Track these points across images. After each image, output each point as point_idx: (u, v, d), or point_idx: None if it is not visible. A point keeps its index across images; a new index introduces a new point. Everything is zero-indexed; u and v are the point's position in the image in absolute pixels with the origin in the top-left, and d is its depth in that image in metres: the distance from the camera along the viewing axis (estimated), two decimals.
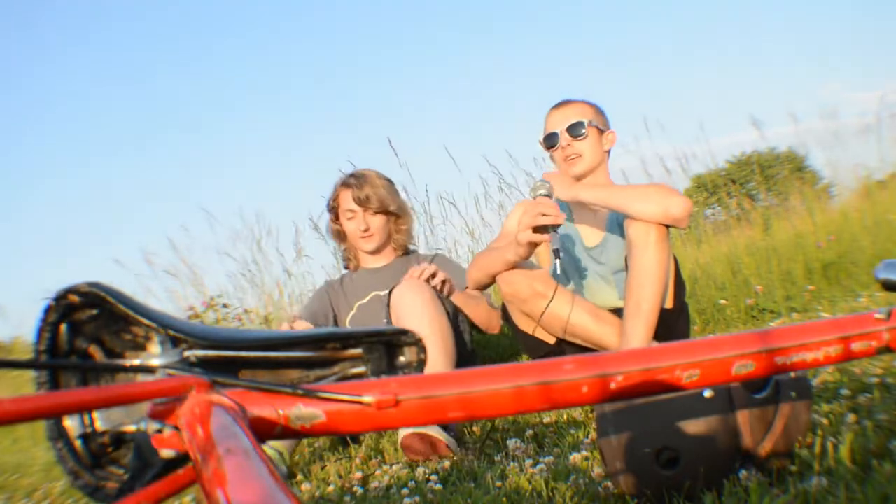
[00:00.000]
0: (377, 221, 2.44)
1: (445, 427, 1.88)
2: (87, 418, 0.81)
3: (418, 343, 0.86)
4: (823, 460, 1.11)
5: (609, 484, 1.20)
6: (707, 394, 1.10)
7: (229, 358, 0.83)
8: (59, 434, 0.80)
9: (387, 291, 2.27)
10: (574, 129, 2.15)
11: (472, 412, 0.74)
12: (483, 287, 2.18)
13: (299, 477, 1.83)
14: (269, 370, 0.85)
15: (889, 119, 5.52)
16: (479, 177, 5.27)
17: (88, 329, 0.81)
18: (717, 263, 3.77)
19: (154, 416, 0.66)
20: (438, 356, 1.96)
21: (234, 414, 0.63)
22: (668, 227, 1.93)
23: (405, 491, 1.47)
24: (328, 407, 0.70)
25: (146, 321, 0.79)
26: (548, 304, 1.99)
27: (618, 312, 2.07)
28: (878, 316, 0.88)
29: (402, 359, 0.86)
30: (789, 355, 0.85)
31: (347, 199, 2.44)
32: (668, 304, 2.01)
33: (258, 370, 0.85)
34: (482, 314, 2.29)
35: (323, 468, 1.88)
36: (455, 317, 2.18)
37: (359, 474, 1.71)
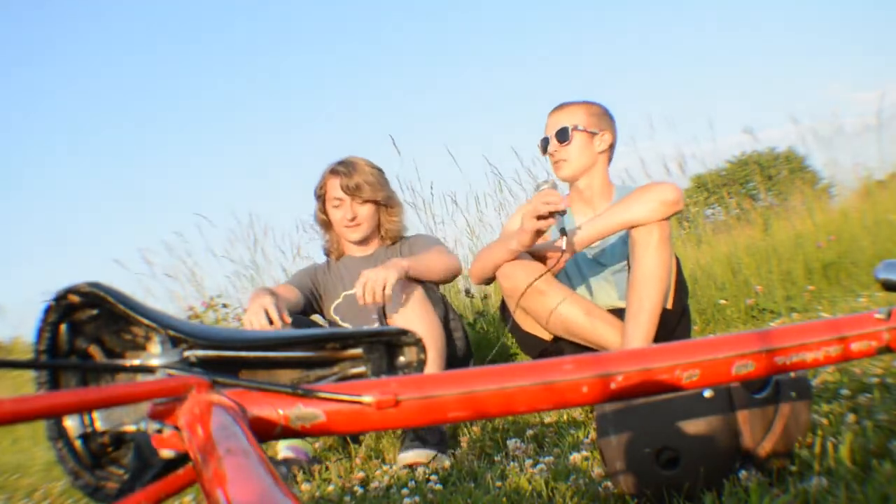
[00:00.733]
0: (365, 211, 2.36)
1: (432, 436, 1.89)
2: (87, 418, 0.80)
3: (418, 343, 0.86)
4: (823, 460, 1.11)
5: (609, 484, 1.20)
6: (707, 394, 1.10)
7: (229, 358, 0.83)
8: (59, 434, 0.80)
9: None
10: (561, 135, 2.16)
11: (472, 412, 0.74)
12: (485, 281, 2.17)
13: (299, 477, 1.83)
14: (269, 370, 0.85)
15: (889, 119, 5.52)
16: (484, 175, 5.25)
17: (88, 329, 0.81)
18: (717, 263, 3.77)
19: (154, 416, 0.66)
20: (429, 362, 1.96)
21: (234, 414, 0.63)
22: (669, 221, 1.94)
23: (405, 491, 1.47)
24: (328, 407, 0.70)
25: (146, 321, 0.79)
26: (531, 283, 1.98)
27: (618, 313, 2.07)
28: (878, 316, 0.88)
29: (402, 359, 0.86)
30: (789, 355, 0.85)
31: (335, 187, 2.36)
32: (669, 305, 2.01)
33: (258, 370, 0.85)
34: (439, 266, 2.18)
35: (325, 469, 1.88)
36: (446, 317, 2.17)
37: (359, 474, 1.71)
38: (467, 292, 3.77)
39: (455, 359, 2.14)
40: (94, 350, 0.82)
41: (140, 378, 0.81)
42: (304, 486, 1.72)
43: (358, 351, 0.85)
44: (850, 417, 1.31)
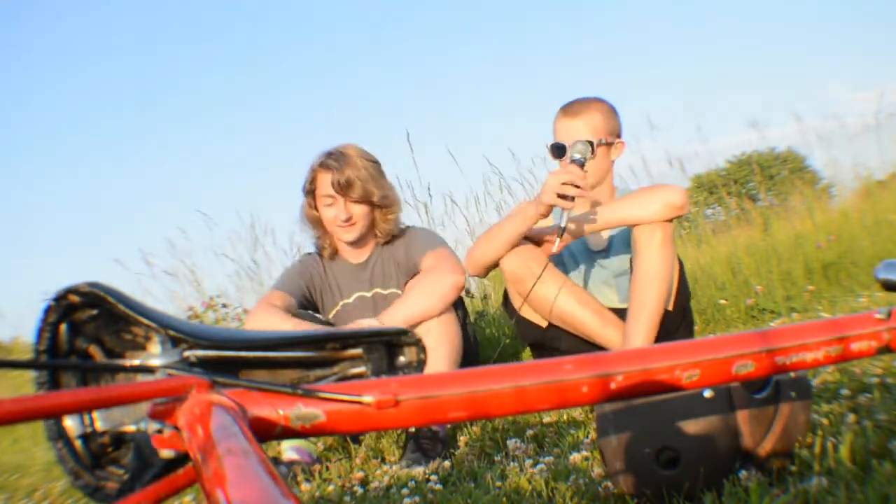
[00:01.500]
0: (359, 210, 2.14)
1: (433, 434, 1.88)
2: (87, 418, 0.80)
3: (418, 343, 0.86)
4: (823, 460, 1.11)
5: (609, 484, 1.20)
6: (707, 394, 1.10)
7: (229, 358, 0.83)
8: (59, 434, 0.80)
9: (372, 293, 2.22)
10: None
11: (472, 412, 0.74)
12: (484, 269, 2.08)
13: (300, 477, 1.83)
14: (268, 370, 0.85)
15: (889, 119, 5.52)
16: (482, 175, 5.26)
17: (88, 329, 0.81)
18: (717, 263, 3.77)
19: (154, 416, 0.66)
20: (442, 362, 1.95)
21: (234, 414, 0.63)
22: (672, 223, 1.94)
23: (405, 491, 1.47)
24: (328, 407, 0.70)
25: (146, 321, 0.79)
26: (535, 281, 1.98)
27: (618, 314, 2.07)
28: (878, 316, 0.88)
29: (402, 359, 0.86)
30: (789, 355, 0.85)
31: (325, 184, 2.13)
32: (669, 307, 2.01)
33: (258, 370, 0.85)
34: (436, 303, 1.98)
35: (326, 469, 1.88)
36: (464, 320, 2.16)
37: (359, 474, 1.71)
38: (467, 292, 3.77)
39: (466, 359, 2.12)
40: (94, 350, 0.82)
41: (140, 378, 0.81)
42: (304, 486, 1.72)
43: (358, 351, 0.85)
44: (850, 417, 1.31)
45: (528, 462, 1.48)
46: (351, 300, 2.24)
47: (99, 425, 0.81)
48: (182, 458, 0.68)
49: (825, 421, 1.32)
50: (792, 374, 1.14)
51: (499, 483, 1.40)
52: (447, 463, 1.70)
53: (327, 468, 1.84)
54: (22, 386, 5.92)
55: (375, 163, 2.21)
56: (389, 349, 0.86)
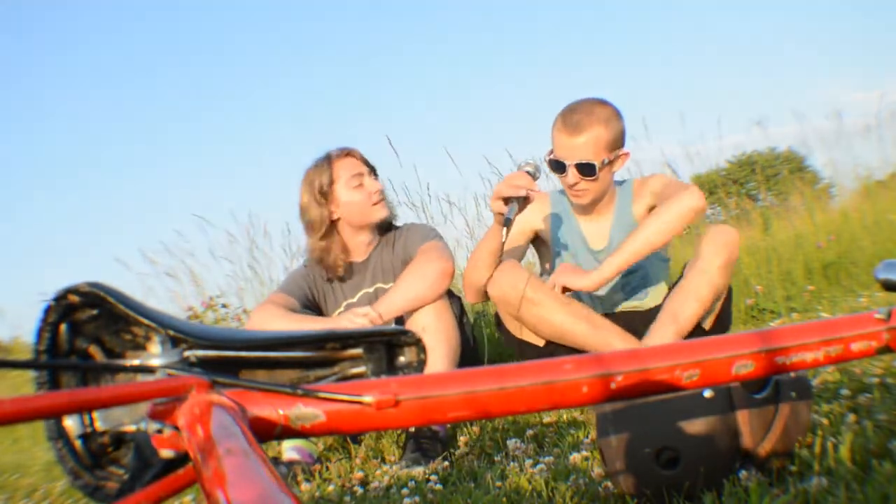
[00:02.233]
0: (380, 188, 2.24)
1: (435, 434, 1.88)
2: (87, 418, 0.81)
3: (418, 343, 0.86)
4: (823, 460, 1.11)
5: (609, 484, 1.20)
6: (707, 394, 1.10)
7: (229, 358, 0.83)
8: (59, 434, 0.80)
9: (374, 288, 2.22)
10: (585, 171, 1.99)
11: (472, 412, 0.74)
12: (478, 292, 2.08)
13: (300, 477, 1.83)
14: (268, 370, 0.85)
15: (889, 119, 5.53)
16: (480, 176, 5.25)
17: (88, 329, 0.81)
18: None
19: (154, 416, 0.66)
20: (441, 361, 1.95)
21: (234, 414, 0.63)
22: (737, 248, 1.95)
23: (405, 491, 1.47)
24: (328, 407, 0.70)
25: (146, 321, 0.79)
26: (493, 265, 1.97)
27: (625, 315, 2.06)
28: (878, 316, 0.89)
29: (402, 359, 0.86)
30: (789, 355, 0.85)
31: (352, 165, 2.17)
32: (707, 326, 1.98)
33: (258, 370, 0.85)
34: (424, 291, 2.01)
35: (326, 469, 1.88)
36: (461, 316, 2.16)
37: (359, 474, 1.71)
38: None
39: (464, 359, 2.12)
40: (94, 350, 0.82)
41: (140, 378, 0.81)
42: (304, 486, 1.72)
43: (358, 351, 0.85)
44: (850, 417, 1.31)
45: (528, 462, 1.48)
46: (355, 299, 2.25)
47: (99, 425, 0.81)
48: (182, 458, 0.68)
49: (825, 421, 1.32)
50: (792, 374, 1.14)
51: (499, 483, 1.40)
52: (447, 463, 1.70)
53: (327, 468, 1.84)
54: (22, 386, 5.92)
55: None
56: (389, 349, 0.86)
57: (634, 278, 2.14)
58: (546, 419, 1.91)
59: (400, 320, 2.08)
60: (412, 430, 1.88)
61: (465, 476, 1.55)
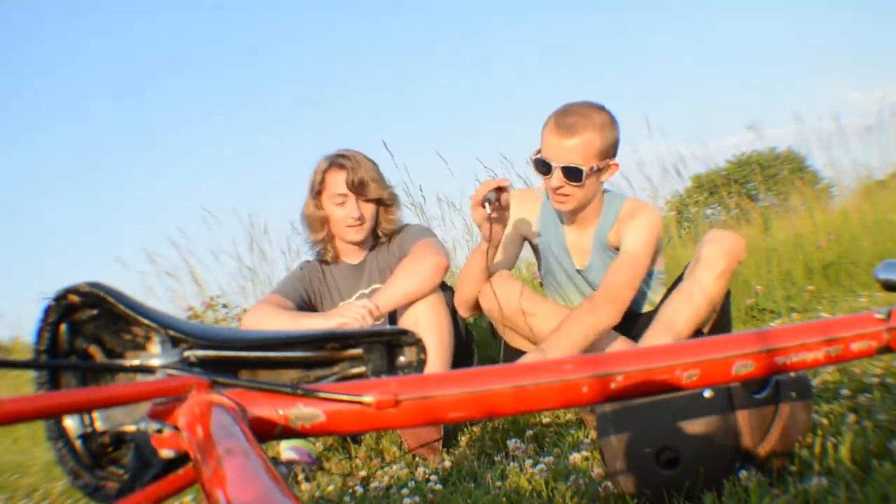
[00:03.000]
0: (368, 210, 2.20)
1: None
2: (87, 418, 0.81)
3: (418, 343, 0.86)
4: (823, 460, 1.11)
5: (609, 484, 1.20)
6: (707, 394, 1.10)
7: (229, 358, 0.83)
8: (59, 434, 0.80)
9: (370, 289, 2.23)
10: (571, 175, 1.93)
11: (472, 412, 0.74)
12: (470, 307, 2.07)
13: (300, 477, 1.83)
14: (268, 370, 0.85)
15: (890, 119, 5.53)
16: (475, 179, 5.24)
17: (88, 329, 0.81)
18: None
19: (154, 416, 0.66)
20: (436, 360, 1.96)
21: (234, 414, 0.63)
22: (741, 256, 1.92)
23: (405, 491, 1.47)
24: (328, 407, 0.70)
25: (146, 321, 0.79)
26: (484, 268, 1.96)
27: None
28: (878, 316, 0.89)
29: (402, 359, 0.86)
30: (789, 355, 0.85)
31: (338, 183, 2.18)
32: (706, 329, 1.96)
33: (258, 370, 0.85)
34: (417, 286, 2.03)
35: (326, 468, 1.88)
36: (454, 313, 2.16)
37: (359, 474, 1.71)
38: None
39: (459, 353, 2.12)
40: (94, 350, 0.82)
41: (140, 378, 0.81)
42: (304, 486, 1.72)
43: (358, 351, 0.85)
44: (850, 417, 1.31)
45: (528, 462, 1.48)
46: (353, 300, 2.26)
47: (99, 425, 0.81)
48: (182, 458, 0.68)
49: (825, 421, 1.32)
50: (792, 374, 1.14)
51: (499, 483, 1.40)
52: (447, 463, 1.70)
53: (327, 468, 1.84)
54: (22, 386, 5.91)
55: (377, 164, 2.28)
56: (389, 349, 0.86)
57: None
58: (546, 419, 1.91)
59: (394, 313, 2.09)
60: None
61: (465, 476, 1.55)
